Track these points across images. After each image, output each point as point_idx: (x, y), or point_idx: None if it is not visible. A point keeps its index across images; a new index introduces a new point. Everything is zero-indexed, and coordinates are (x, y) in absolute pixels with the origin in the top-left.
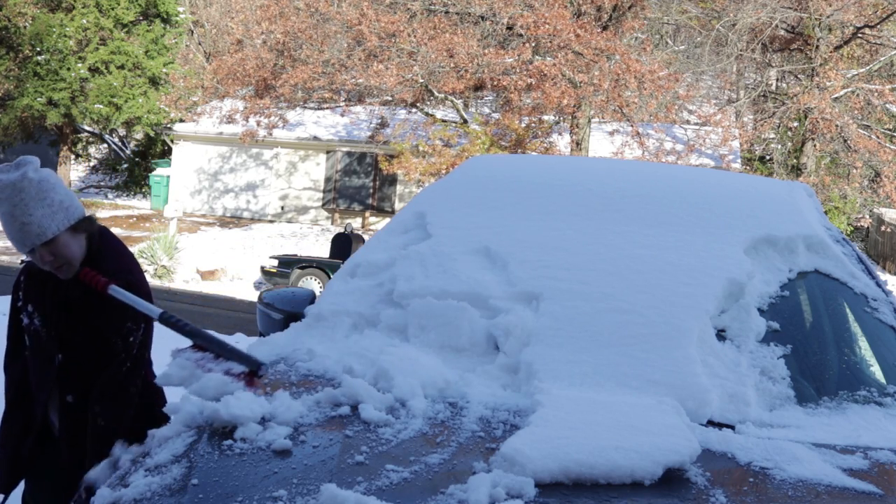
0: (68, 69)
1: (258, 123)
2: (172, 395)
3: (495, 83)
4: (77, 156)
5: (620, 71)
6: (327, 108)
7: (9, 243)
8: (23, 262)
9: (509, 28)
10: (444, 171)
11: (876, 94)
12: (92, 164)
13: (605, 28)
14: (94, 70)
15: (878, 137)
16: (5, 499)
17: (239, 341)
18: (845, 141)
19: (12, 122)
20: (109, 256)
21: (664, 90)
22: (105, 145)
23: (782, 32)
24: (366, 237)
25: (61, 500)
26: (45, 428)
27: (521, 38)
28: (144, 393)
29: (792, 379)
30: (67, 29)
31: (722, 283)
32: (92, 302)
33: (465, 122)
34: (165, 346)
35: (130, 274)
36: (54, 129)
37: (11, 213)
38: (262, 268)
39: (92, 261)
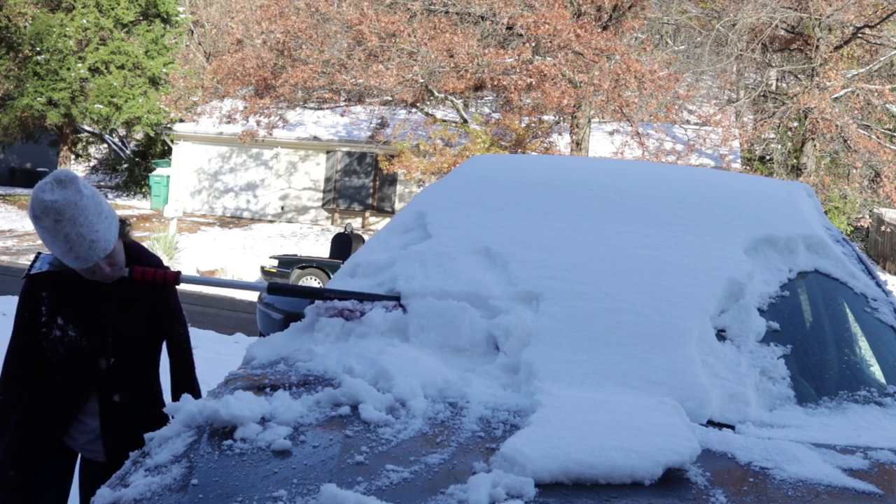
0: (68, 69)
1: (258, 123)
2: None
3: (495, 83)
4: (77, 156)
5: (620, 71)
6: (327, 108)
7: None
8: (27, 275)
9: (509, 28)
10: (445, 170)
11: (876, 94)
12: (92, 164)
13: (605, 28)
14: (94, 70)
15: (878, 137)
16: None
17: (239, 341)
18: (845, 141)
19: (12, 122)
20: (142, 253)
21: (664, 90)
22: (105, 145)
23: (782, 32)
24: (366, 237)
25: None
26: (55, 444)
27: (521, 38)
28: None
29: (792, 379)
30: (67, 29)
31: (722, 283)
32: (144, 299)
33: (465, 121)
34: None
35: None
36: (54, 129)
37: (78, 232)
38: (262, 268)
39: (135, 261)
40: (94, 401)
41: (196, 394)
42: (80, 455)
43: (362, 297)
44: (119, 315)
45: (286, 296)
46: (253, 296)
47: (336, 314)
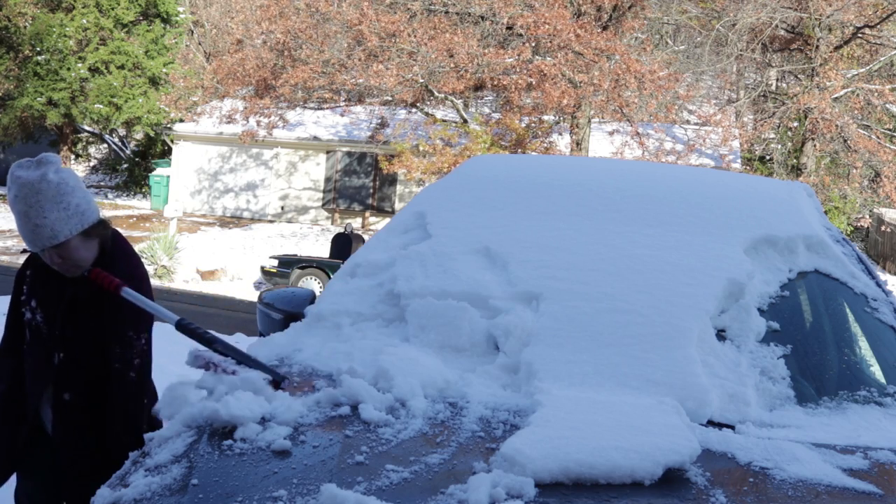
0: (68, 69)
1: (258, 123)
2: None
3: (495, 83)
4: (77, 156)
5: (620, 71)
6: (327, 108)
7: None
8: (24, 251)
9: (509, 28)
10: (445, 170)
11: (876, 94)
12: (92, 164)
13: (605, 28)
14: (94, 70)
15: (878, 137)
16: None
17: (239, 341)
18: (845, 141)
19: (12, 122)
20: (121, 261)
21: (664, 90)
22: (105, 145)
23: (782, 32)
24: (366, 237)
25: (52, 496)
26: (36, 424)
27: (521, 38)
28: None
29: (792, 379)
30: (67, 29)
31: (722, 283)
32: (99, 303)
33: (466, 121)
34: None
35: (141, 281)
36: (54, 129)
37: (26, 212)
38: (262, 268)
39: (104, 264)
40: (49, 394)
41: (122, 433)
42: None
43: (252, 364)
44: (70, 312)
45: (190, 337)
46: (253, 296)
47: (203, 365)
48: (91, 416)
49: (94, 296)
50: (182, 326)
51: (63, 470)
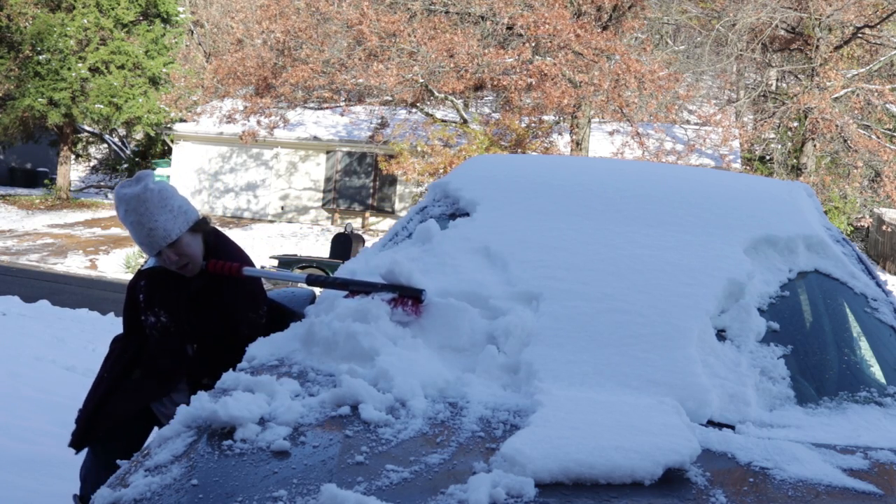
0: (69, 69)
1: (258, 123)
2: None
3: (495, 83)
4: (77, 156)
5: (620, 71)
6: (327, 107)
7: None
8: (140, 270)
9: (509, 28)
10: (442, 171)
11: (876, 94)
12: (92, 164)
13: (605, 28)
14: (94, 70)
15: (878, 137)
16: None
17: None
18: (845, 141)
19: (13, 122)
20: (227, 249)
21: (664, 90)
22: (105, 145)
23: (782, 32)
24: (366, 237)
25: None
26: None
27: (521, 38)
28: None
29: (792, 379)
30: (68, 29)
31: (722, 283)
32: (218, 293)
33: (465, 122)
34: None
35: (250, 262)
36: (55, 129)
37: (139, 221)
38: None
39: (212, 255)
40: (184, 381)
41: None
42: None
43: (386, 289)
44: (194, 306)
45: (323, 287)
46: None
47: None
48: None
49: (212, 287)
50: (311, 281)
51: None
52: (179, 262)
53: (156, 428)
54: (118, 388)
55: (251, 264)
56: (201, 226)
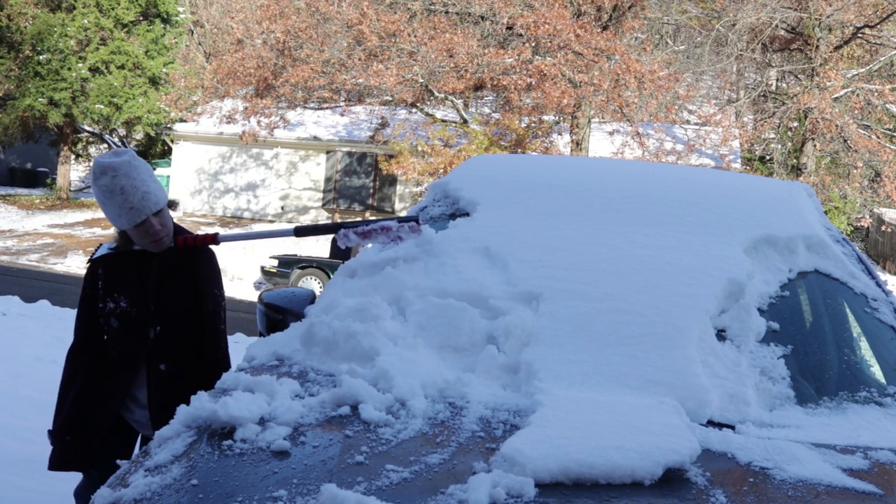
0: (69, 69)
1: (258, 123)
2: None
3: (495, 83)
4: (77, 156)
5: (620, 71)
6: (327, 108)
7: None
8: (89, 261)
9: (509, 28)
10: (442, 171)
11: (876, 94)
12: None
13: (605, 28)
14: (94, 70)
15: (878, 137)
16: (86, 475)
17: (239, 341)
18: (845, 141)
19: (13, 122)
20: (182, 229)
21: (664, 90)
22: (105, 145)
23: (782, 32)
24: None
25: None
26: (116, 417)
27: (521, 38)
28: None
29: (792, 379)
30: (68, 29)
31: (722, 283)
32: (184, 269)
33: (465, 122)
34: None
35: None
36: (55, 129)
37: (132, 185)
38: (262, 268)
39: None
40: (143, 372)
41: (220, 367)
42: (140, 434)
43: (382, 220)
44: (159, 285)
45: (314, 234)
46: (253, 296)
47: (361, 234)
48: (183, 387)
49: (179, 264)
50: (301, 231)
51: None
52: (161, 233)
53: (141, 435)
54: (84, 405)
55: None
56: (172, 205)
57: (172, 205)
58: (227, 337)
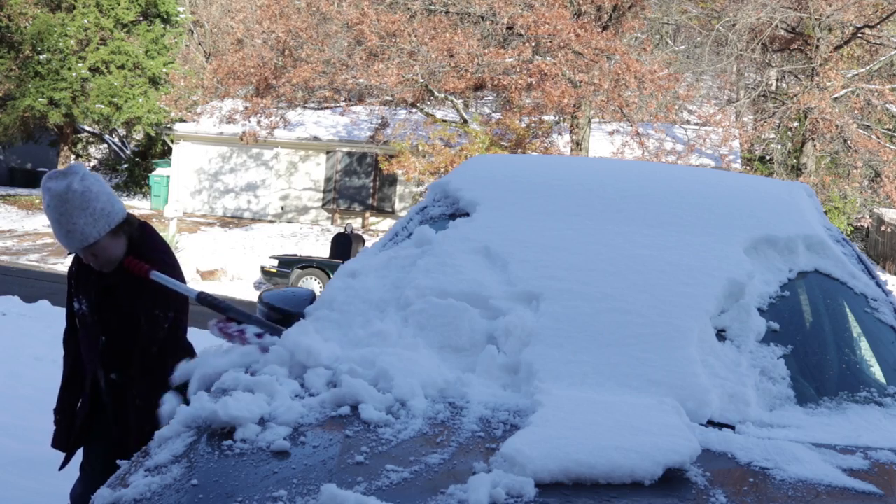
0: (69, 69)
1: (259, 123)
2: None
3: (495, 83)
4: (77, 156)
5: (620, 71)
6: (327, 107)
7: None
8: (70, 253)
9: (509, 28)
10: (443, 171)
11: (876, 94)
12: (92, 164)
13: (605, 28)
14: (94, 70)
15: (878, 137)
16: (67, 459)
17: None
18: (845, 141)
19: (13, 122)
20: (149, 247)
21: (664, 90)
22: (105, 145)
23: (782, 32)
24: (366, 237)
25: (113, 466)
26: (98, 399)
27: (521, 37)
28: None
29: (792, 379)
30: (68, 29)
31: (722, 283)
32: (130, 288)
33: (466, 121)
34: None
35: (171, 267)
36: (55, 129)
37: (59, 219)
38: (262, 268)
39: (136, 251)
40: (101, 375)
41: (145, 406)
42: None
43: (256, 322)
44: (100, 300)
45: (210, 308)
46: (253, 296)
47: (226, 336)
48: (130, 398)
49: (126, 282)
50: (201, 300)
51: (117, 444)
52: (94, 262)
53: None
54: (65, 391)
55: (173, 264)
56: (123, 227)
57: (125, 227)
58: (164, 365)
